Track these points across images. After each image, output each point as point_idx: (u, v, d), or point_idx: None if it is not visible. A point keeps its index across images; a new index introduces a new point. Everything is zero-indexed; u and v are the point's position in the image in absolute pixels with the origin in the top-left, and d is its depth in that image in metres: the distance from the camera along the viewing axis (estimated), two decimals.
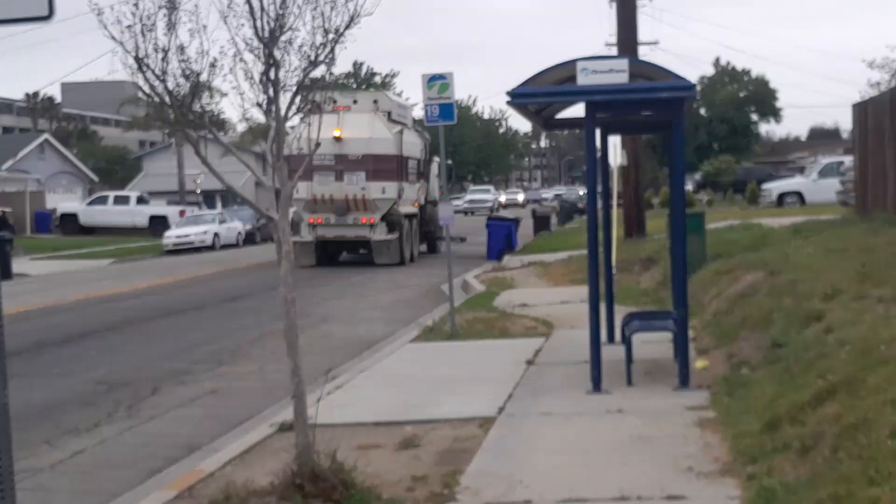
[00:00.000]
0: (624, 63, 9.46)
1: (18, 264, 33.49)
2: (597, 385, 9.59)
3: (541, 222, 40.81)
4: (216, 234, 43.38)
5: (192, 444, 8.83)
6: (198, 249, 41.87)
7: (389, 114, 30.54)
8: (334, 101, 30.11)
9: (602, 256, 11.59)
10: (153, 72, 6.06)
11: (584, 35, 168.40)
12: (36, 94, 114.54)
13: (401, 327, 16.33)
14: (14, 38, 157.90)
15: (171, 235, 42.64)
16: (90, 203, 55.34)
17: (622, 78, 9.37)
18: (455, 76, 14.22)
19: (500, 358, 12.00)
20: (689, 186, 73.15)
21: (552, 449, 7.66)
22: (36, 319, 18.17)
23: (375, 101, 30.68)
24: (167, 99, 6.24)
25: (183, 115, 6.35)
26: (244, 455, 7.89)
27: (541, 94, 9.77)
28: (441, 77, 14.09)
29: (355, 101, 30.39)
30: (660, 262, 19.98)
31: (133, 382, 11.75)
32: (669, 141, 11.71)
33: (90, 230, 52.69)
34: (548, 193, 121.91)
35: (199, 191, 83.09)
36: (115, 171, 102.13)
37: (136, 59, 5.99)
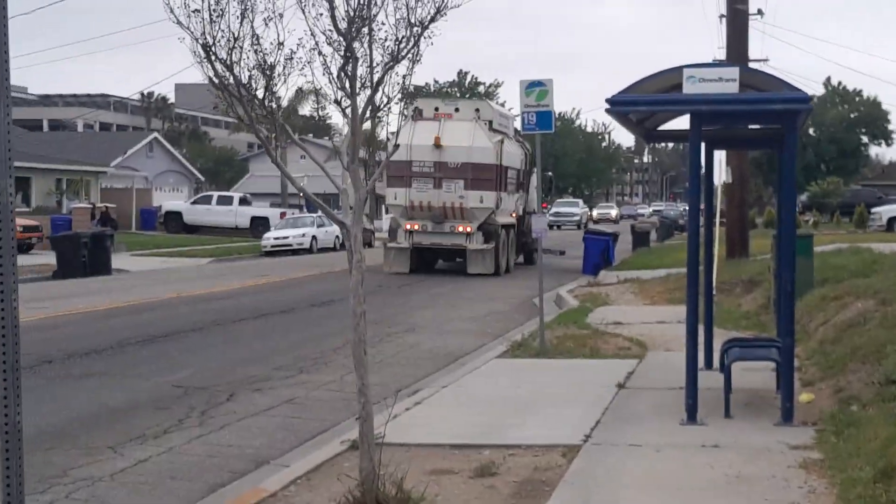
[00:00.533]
0: (734, 71, 8.82)
1: (119, 260, 33.95)
2: (692, 415, 8.96)
3: (640, 238, 39.97)
4: (314, 238, 43.47)
5: (260, 456, 8.45)
6: (295, 252, 42.01)
7: (491, 123, 30.13)
8: (436, 109, 30.31)
9: (702, 277, 10.95)
10: (222, 62, 5.67)
11: (693, 50, 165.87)
12: (150, 94, 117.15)
13: (490, 340, 15.85)
14: (128, 34, 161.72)
15: (270, 237, 42.87)
16: (194, 202, 56.10)
17: (732, 88, 8.73)
18: (555, 83, 13.65)
19: (589, 379, 11.42)
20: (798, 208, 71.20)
21: (640, 486, 7.07)
22: (125, 316, 18.15)
23: (477, 110, 30.34)
24: (236, 91, 5.83)
25: (252, 110, 5.95)
26: (310, 474, 7.46)
27: (642, 103, 9.18)
28: (540, 84, 13.55)
29: (457, 109, 30.14)
30: (763, 284, 19.12)
31: (210, 387, 11.46)
32: (779, 158, 11.02)
33: (194, 229, 53.39)
34: (645, 209, 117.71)
35: (302, 193, 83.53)
36: (222, 171, 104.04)
37: (204, 46, 5.59)
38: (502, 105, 64.90)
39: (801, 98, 8.58)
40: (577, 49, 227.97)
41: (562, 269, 32.14)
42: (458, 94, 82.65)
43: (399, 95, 6.32)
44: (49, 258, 28.87)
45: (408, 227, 29.32)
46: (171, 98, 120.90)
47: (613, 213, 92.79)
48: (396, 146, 7.23)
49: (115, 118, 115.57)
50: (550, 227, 69.87)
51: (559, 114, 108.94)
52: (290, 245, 42.13)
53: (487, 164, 29.24)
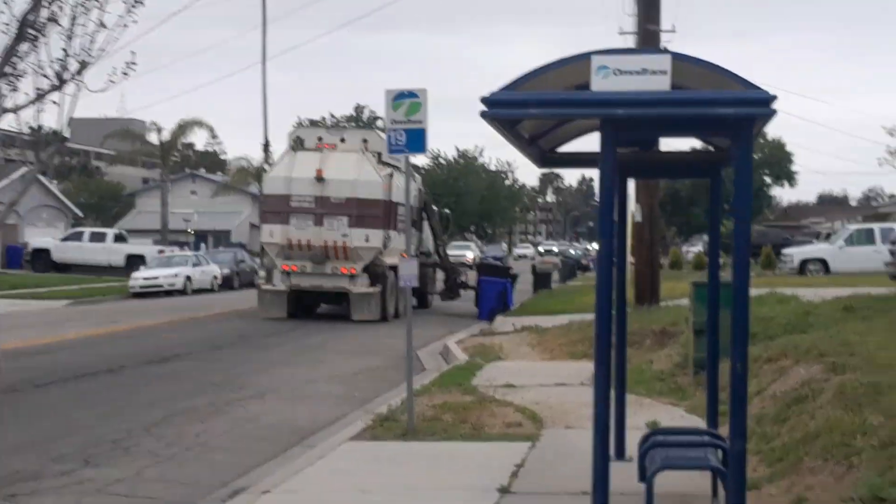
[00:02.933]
0: (665, 60, 6.15)
1: None
2: None
3: (541, 280, 37.66)
4: (188, 278, 40.02)
5: None
6: (169, 293, 38.56)
7: (380, 155, 27.30)
8: (319, 138, 27.42)
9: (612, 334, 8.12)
10: None
11: None
12: (40, 128, 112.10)
13: (354, 409, 13.00)
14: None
15: (139, 277, 39.29)
16: (65, 239, 52.11)
17: (661, 83, 6.07)
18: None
19: (464, 478, 8.58)
20: (698, 248, 69.99)
21: None
22: None
23: (365, 140, 27.38)
24: None
25: None
26: None
27: (532, 104, 6.43)
28: (411, 95, 10.78)
29: (342, 140, 27.25)
30: (677, 337, 16.66)
31: None
32: (714, 186, 8.41)
33: (64, 267, 49.49)
34: (527, 249, 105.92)
35: (191, 230, 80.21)
36: (109, 207, 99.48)
37: None
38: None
39: (761, 98, 5.93)
40: (484, 89, 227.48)
41: (455, 314, 29.46)
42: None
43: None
44: None
45: (285, 267, 26.31)
46: (66, 132, 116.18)
47: (469, 255, 67.32)
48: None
49: (3, 153, 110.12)
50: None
51: (461, 151, 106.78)
52: (161, 286, 38.60)
53: (374, 199, 26.46)
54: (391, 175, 27.31)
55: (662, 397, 12.83)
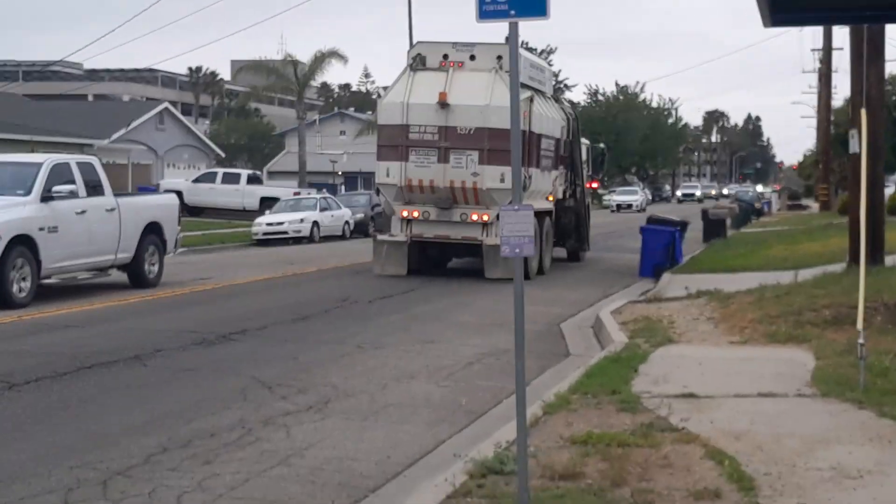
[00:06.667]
0: None
1: None
2: None
3: (713, 227, 32.64)
4: (315, 223, 36.39)
5: None
6: (298, 240, 35.03)
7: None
8: (444, 56, 22.82)
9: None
10: None
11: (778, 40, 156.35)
12: (199, 69, 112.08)
13: (453, 432, 8.63)
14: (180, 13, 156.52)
15: (262, 223, 35.92)
16: (196, 180, 49.31)
17: None
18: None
19: None
20: (890, 188, 62.56)
21: None
22: None
23: (499, 58, 22.15)
24: None
25: None
26: None
27: None
28: None
29: (472, 57, 22.24)
30: None
31: None
32: None
33: (197, 211, 46.70)
34: (631, 196, 76.43)
35: (339, 172, 77.30)
36: (259, 148, 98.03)
37: None
38: (556, 75, 56.29)
39: None
40: (641, 28, 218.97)
41: (611, 269, 24.82)
42: None
43: None
44: None
45: (404, 213, 22.01)
46: (222, 74, 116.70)
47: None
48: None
49: (162, 94, 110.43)
50: None
51: (621, 87, 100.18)
52: (286, 232, 35.09)
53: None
54: (531, 99, 22.55)
55: None
